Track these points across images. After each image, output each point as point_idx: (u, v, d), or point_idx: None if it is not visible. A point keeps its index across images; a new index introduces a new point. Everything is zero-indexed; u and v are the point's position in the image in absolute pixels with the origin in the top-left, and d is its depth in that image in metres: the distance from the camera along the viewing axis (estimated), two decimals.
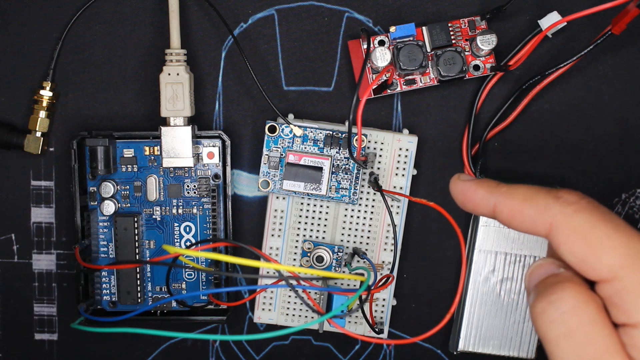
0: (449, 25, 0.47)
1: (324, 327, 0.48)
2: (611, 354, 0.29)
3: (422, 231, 0.49)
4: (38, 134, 0.48)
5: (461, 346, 0.48)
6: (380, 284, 0.46)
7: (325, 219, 0.48)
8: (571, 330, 0.30)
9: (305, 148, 0.47)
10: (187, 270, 0.49)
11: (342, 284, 0.49)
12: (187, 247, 0.48)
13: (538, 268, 0.33)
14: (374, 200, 0.48)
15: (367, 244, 0.48)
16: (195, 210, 0.48)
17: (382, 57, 0.46)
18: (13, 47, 0.48)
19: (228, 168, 0.47)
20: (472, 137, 0.48)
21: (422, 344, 0.50)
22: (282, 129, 0.46)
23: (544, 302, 0.31)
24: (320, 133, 0.47)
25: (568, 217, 0.31)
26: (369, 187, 0.47)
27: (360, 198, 0.48)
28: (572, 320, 0.30)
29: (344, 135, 0.46)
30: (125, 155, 0.48)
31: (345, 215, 0.48)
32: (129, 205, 0.48)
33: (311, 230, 0.48)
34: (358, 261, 0.48)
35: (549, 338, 0.30)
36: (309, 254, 0.48)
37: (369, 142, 0.47)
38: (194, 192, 0.48)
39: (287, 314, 0.49)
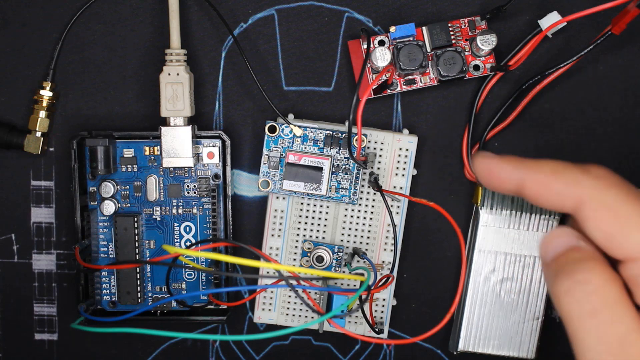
0: (449, 25, 0.47)
1: (324, 327, 0.48)
2: (635, 333, 0.29)
3: (422, 231, 0.49)
4: (38, 134, 0.48)
5: (461, 346, 0.48)
6: (380, 284, 0.46)
7: (325, 219, 0.48)
8: (596, 309, 0.29)
9: (305, 148, 0.47)
10: (187, 270, 0.49)
11: (342, 284, 0.49)
12: (187, 247, 0.48)
13: (556, 238, 0.32)
14: (374, 200, 0.48)
15: (367, 244, 0.48)
16: (195, 210, 0.48)
17: (382, 57, 0.46)
18: (13, 47, 0.48)
19: (228, 168, 0.47)
20: (472, 137, 0.48)
21: (422, 344, 0.50)
22: (282, 129, 0.46)
23: (569, 281, 0.30)
24: (320, 133, 0.47)
25: (598, 191, 0.30)
26: (369, 187, 0.47)
27: (360, 198, 0.48)
28: (597, 299, 0.29)
29: (344, 135, 0.46)
30: (125, 155, 0.48)
31: (345, 215, 0.48)
32: (129, 205, 0.48)
33: (311, 230, 0.48)
34: (358, 261, 0.48)
35: (572, 317, 0.30)
36: (309, 254, 0.48)
37: (369, 142, 0.47)
38: (194, 192, 0.48)
39: (287, 314, 0.49)
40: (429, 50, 0.47)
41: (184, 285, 0.49)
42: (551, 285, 0.31)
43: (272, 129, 0.46)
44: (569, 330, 0.30)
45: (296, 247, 0.48)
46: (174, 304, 0.49)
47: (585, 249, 0.31)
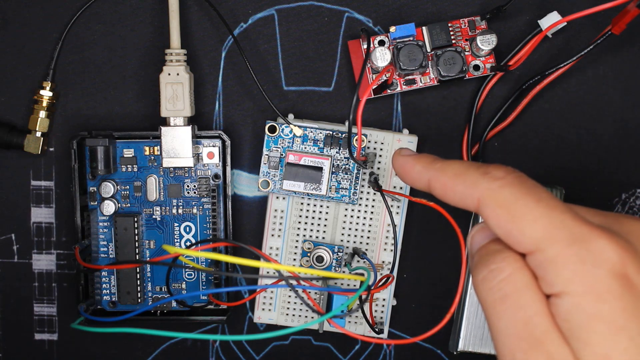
0: (449, 25, 0.47)
1: (324, 327, 0.48)
2: (540, 315, 0.30)
3: (422, 231, 0.49)
4: (38, 134, 0.48)
5: (461, 346, 0.48)
6: (380, 284, 0.46)
7: (325, 219, 0.48)
8: (506, 294, 0.31)
9: (305, 148, 0.47)
10: (187, 270, 0.49)
11: (342, 284, 0.49)
12: (187, 247, 0.48)
13: (479, 232, 0.35)
14: (374, 200, 0.48)
15: (367, 244, 0.48)
16: (195, 210, 0.48)
17: (382, 57, 0.46)
18: (13, 47, 0.48)
19: (228, 168, 0.47)
20: (472, 137, 0.48)
21: (422, 344, 0.50)
22: (282, 129, 0.46)
23: (484, 271, 0.32)
24: (320, 133, 0.47)
25: (494, 192, 0.32)
26: (369, 187, 0.47)
27: (360, 198, 0.48)
28: (507, 286, 0.31)
29: (344, 135, 0.46)
30: (125, 155, 0.48)
31: (345, 215, 0.48)
32: (129, 205, 0.48)
33: (311, 230, 0.48)
34: (358, 261, 0.48)
35: (487, 303, 0.32)
36: (309, 254, 0.48)
37: (369, 142, 0.47)
38: (194, 192, 0.48)
39: (287, 314, 0.49)
40: (429, 50, 0.47)
41: (184, 285, 0.49)
42: (472, 275, 0.33)
43: (272, 129, 0.46)
44: (485, 315, 0.32)
45: (296, 247, 0.48)
46: (174, 304, 0.49)
47: (501, 242, 0.33)
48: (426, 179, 0.36)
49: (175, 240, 0.49)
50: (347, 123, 0.47)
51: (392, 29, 0.46)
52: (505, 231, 0.32)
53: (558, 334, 0.30)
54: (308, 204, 0.48)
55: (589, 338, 0.29)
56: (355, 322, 0.49)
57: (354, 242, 0.48)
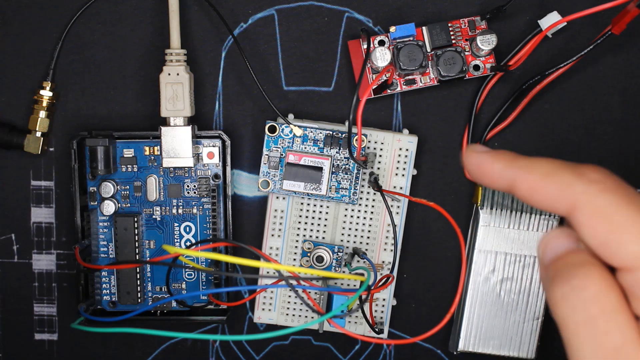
0: (449, 25, 0.47)
1: (324, 327, 0.48)
2: (632, 344, 0.28)
3: (422, 231, 0.49)
4: (38, 134, 0.48)
5: (461, 346, 0.48)
6: (380, 284, 0.46)
7: (325, 219, 0.48)
8: (593, 318, 0.28)
9: (305, 148, 0.47)
10: (187, 270, 0.49)
11: (342, 284, 0.49)
12: (187, 247, 0.48)
13: (555, 240, 0.31)
14: (374, 200, 0.48)
15: (367, 244, 0.48)
16: (195, 210, 0.48)
17: (382, 57, 0.46)
18: (13, 47, 0.48)
19: (228, 168, 0.47)
20: (472, 137, 0.48)
21: (422, 344, 0.50)
22: (282, 129, 0.46)
23: (566, 287, 0.29)
24: (320, 133, 0.47)
25: (591, 196, 0.29)
26: (369, 187, 0.47)
27: (360, 198, 0.48)
28: (594, 308, 0.28)
29: (344, 135, 0.46)
30: (125, 155, 0.48)
31: (345, 215, 0.48)
32: (129, 205, 0.48)
33: (311, 230, 0.48)
34: (358, 261, 0.48)
35: (568, 324, 0.29)
36: (309, 254, 0.48)
37: (369, 142, 0.47)
38: (194, 192, 0.48)
39: (287, 314, 0.49)
40: (429, 50, 0.47)
41: (184, 285, 0.49)
42: (548, 290, 0.30)
43: (272, 129, 0.46)
44: (564, 337, 0.29)
45: (296, 247, 0.48)
46: (174, 304, 0.49)
47: (584, 253, 0.30)
48: (510, 179, 0.32)
49: (175, 240, 0.49)
50: (347, 123, 0.47)
51: (392, 29, 0.46)
52: (602, 242, 0.28)
53: None
54: (308, 204, 0.48)
55: None
56: (355, 322, 0.49)
57: (354, 242, 0.48)
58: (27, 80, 0.48)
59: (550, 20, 0.46)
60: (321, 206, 0.48)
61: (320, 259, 0.47)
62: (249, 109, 0.49)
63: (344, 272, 0.47)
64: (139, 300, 0.48)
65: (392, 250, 0.48)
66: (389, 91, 0.48)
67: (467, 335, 0.48)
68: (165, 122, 0.47)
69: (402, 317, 0.50)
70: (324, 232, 0.48)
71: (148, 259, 0.48)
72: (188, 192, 0.48)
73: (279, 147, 0.47)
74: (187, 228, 0.48)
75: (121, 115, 0.49)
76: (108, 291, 0.49)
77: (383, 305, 0.49)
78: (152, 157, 0.48)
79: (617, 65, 0.48)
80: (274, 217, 0.48)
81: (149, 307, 0.48)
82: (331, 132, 0.47)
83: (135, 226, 0.47)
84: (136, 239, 0.48)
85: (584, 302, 0.28)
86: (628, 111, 0.49)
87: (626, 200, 0.28)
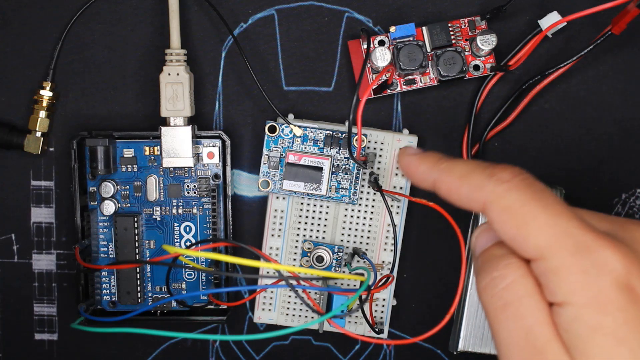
0: (449, 25, 0.47)
1: (324, 327, 0.48)
2: (542, 325, 0.30)
3: (422, 231, 0.49)
4: (38, 134, 0.48)
5: (461, 346, 0.48)
6: (380, 284, 0.46)
7: (325, 219, 0.48)
8: (507, 303, 0.31)
9: (305, 148, 0.47)
10: (187, 270, 0.49)
11: (342, 284, 0.49)
12: (187, 247, 0.48)
13: (482, 234, 0.34)
14: (374, 200, 0.48)
15: (367, 244, 0.48)
16: (195, 210, 0.48)
17: (382, 57, 0.46)
18: (13, 47, 0.48)
19: (228, 168, 0.47)
20: (472, 137, 0.48)
21: (422, 344, 0.50)
22: (282, 129, 0.46)
23: (487, 277, 0.32)
24: (320, 133, 0.47)
25: (499, 196, 0.31)
26: (369, 187, 0.47)
27: (360, 198, 0.48)
28: (509, 294, 0.31)
29: (344, 135, 0.46)
30: (125, 155, 0.48)
31: (345, 215, 0.48)
32: (129, 205, 0.48)
33: (311, 230, 0.48)
34: (358, 261, 0.48)
35: (489, 311, 0.31)
36: (309, 254, 0.48)
37: (369, 142, 0.47)
38: (194, 192, 0.48)
39: (287, 314, 0.49)
40: (429, 50, 0.47)
41: (184, 285, 0.49)
42: (476, 281, 0.33)
43: (272, 129, 0.46)
44: (488, 324, 0.32)
45: (296, 247, 0.48)
46: (174, 304, 0.49)
47: (504, 247, 0.32)
48: (431, 180, 0.36)
49: (175, 240, 0.49)
50: (347, 123, 0.47)
51: (392, 29, 0.46)
52: (510, 236, 0.31)
53: (560, 344, 0.29)
54: (308, 204, 0.48)
55: (590, 350, 0.29)
56: (355, 322, 0.49)
57: (354, 242, 0.48)
58: (27, 80, 0.48)
59: (550, 20, 0.46)
60: (321, 206, 0.48)
61: (320, 259, 0.47)
62: (249, 109, 0.49)
63: (344, 272, 0.47)
64: (139, 300, 0.48)
65: (392, 250, 0.48)
66: (389, 91, 0.48)
67: (467, 335, 0.48)
68: (165, 122, 0.47)
69: (402, 317, 0.50)
70: (324, 232, 0.48)
71: (148, 259, 0.48)
72: (188, 192, 0.48)
73: (279, 147, 0.47)
74: (187, 228, 0.48)
75: (121, 115, 0.49)
76: (108, 291, 0.49)
77: (383, 305, 0.49)
78: (152, 157, 0.48)
79: (617, 65, 0.48)
80: (274, 217, 0.48)
81: (149, 307, 0.48)
82: (331, 132, 0.47)
83: (135, 226, 0.47)
84: (136, 239, 0.48)
85: (502, 291, 0.31)
86: (628, 111, 0.49)
87: (531, 196, 0.31)
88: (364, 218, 0.48)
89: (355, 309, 0.45)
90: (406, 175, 0.39)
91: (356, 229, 0.48)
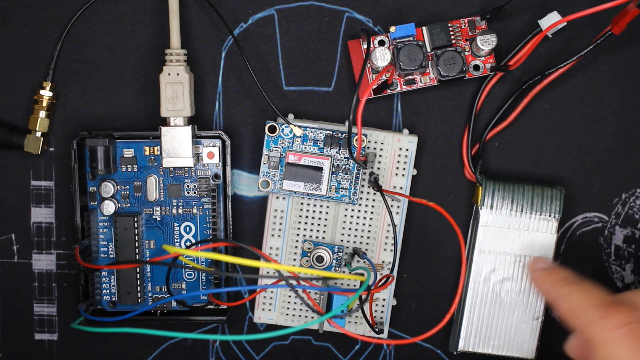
0: (449, 25, 0.47)
1: (324, 327, 0.48)
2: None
3: (422, 231, 0.49)
4: (38, 134, 0.48)
5: (461, 346, 0.48)
6: (380, 284, 0.46)
7: (325, 219, 0.48)
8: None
9: (305, 148, 0.47)
10: (187, 270, 0.49)
11: (342, 284, 0.49)
12: (187, 247, 0.48)
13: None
14: (374, 200, 0.48)
15: (367, 244, 0.48)
16: (195, 210, 0.48)
17: (382, 57, 0.46)
18: (13, 47, 0.48)
19: (228, 168, 0.47)
20: (472, 137, 0.48)
21: (422, 344, 0.50)
22: (282, 129, 0.46)
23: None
24: (320, 133, 0.47)
25: (607, 343, 0.32)
26: (369, 187, 0.47)
27: (360, 198, 0.48)
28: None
29: (344, 135, 0.46)
30: (125, 155, 0.48)
31: (345, 215, 0.48)
32: (129, 205, 0.48)
33: (311, 230, 0.48)
34: (358, 261, 0.48)
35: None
36: (309, 254, 0.48)
37: (369, 142, 0.47)
38: (194, 192, 0.48)
39: (287, 314, 0.49)
40: (429, 50, 0.47)
41: (184, 285, 0.49)
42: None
43: (272, 129, 0.46)
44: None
45: (296, 247, 0.48)
46: (174, 304, 0.49)
47: None
48: (550, 300, 0.39)
49: (175, 240, 0.49)
50: (347, 123, 0.47)
51: (392, 29, 0.46)
52: None
53: None
54: (308, 204, 0.48)
55: None
56: (355, 322, 0.49)
57: (354, 242, 0.48)
58: (27, 80, 0.48)
59: (550, 20, 0.46)
60: (321, 206, 0.48)
61: (320, 259, 0.47)
62: (249, 109, 0.49)
63: (344, 272, 0.47)
64: (139, 300, 0.48)
65: (392, 250, 0.48)
66: (389, 91, 0.48)
67: (467, 335, 0.48)
68: (165, 122, 0.47)
69: (402, 317, 0.50)
70: (324, 232, 0.48)
71: (148, 259, 0.48)
72: (188, 192, 0.48)
73: (279, 147, 0.47)
74: (187, 228, 0.48)
75: (121, 115, 0.49)
76: (108, 291, 0.49)
77: (383, 305, 0.49)
78: (152, 157, 0.48)
79: (617, 65, 0.48)
80: (274, 217, 0.48)
81: (149, 307, 0.48)
82: (331, 132, 0.47)
83: (135, 226, 0.47)
84: (136, 239, 0.48)
85: None
86: (628, 111, 0.49)
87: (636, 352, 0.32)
88: (364, 218, 0.48)
89: (355, 309, 0.45)
90: (534, 286, 0.45)
91: (356, 229, 0.48)
